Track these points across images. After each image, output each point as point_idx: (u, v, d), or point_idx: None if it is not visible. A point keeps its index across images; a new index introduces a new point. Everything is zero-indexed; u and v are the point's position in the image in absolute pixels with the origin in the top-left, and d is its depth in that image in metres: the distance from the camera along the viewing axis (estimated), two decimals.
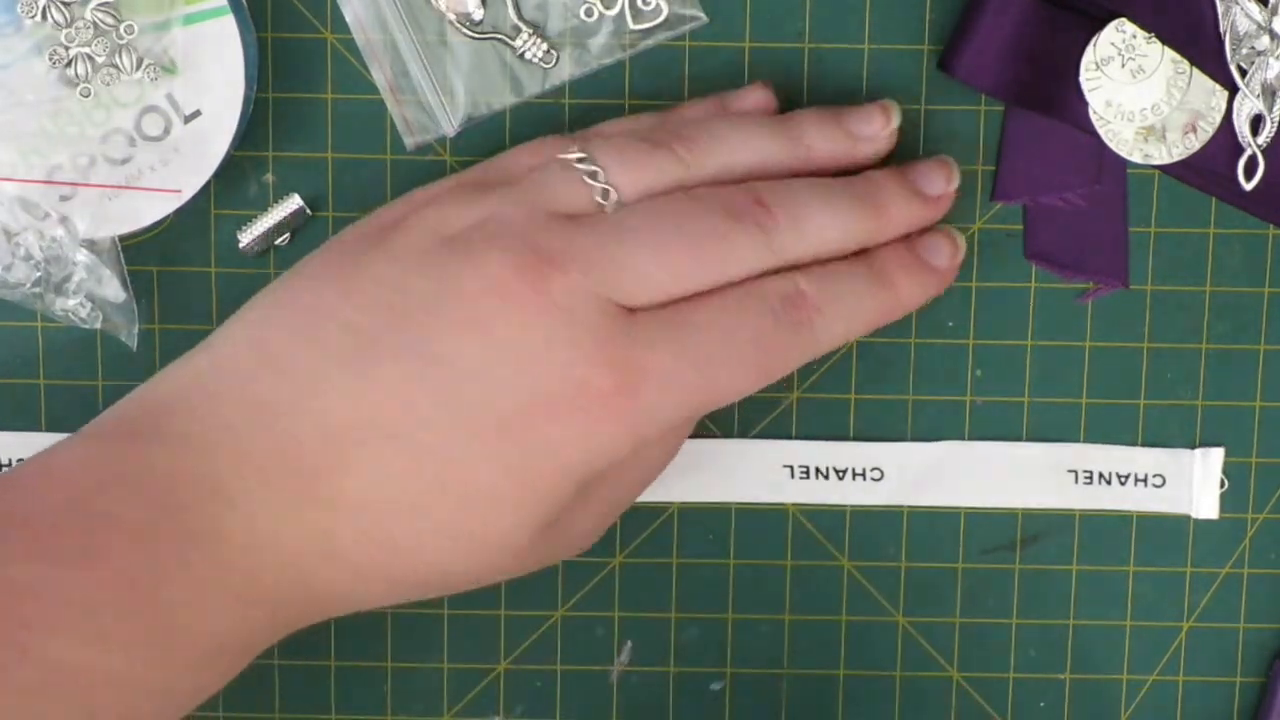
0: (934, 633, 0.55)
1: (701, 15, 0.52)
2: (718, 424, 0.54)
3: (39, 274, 0.50)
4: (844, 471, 0.54)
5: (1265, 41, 0.50)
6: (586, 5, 0.51)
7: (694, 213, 0.46)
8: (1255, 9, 0.50)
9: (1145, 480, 0.54)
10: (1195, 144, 0.51)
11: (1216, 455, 0.54)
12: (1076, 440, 0.54)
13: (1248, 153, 0.51)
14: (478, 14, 0.51)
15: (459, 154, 0.52)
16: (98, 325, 0.51)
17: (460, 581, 0.47)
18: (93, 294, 0.51)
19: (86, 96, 0.49)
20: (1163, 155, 0.51)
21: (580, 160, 0.47)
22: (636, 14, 0.52)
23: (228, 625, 0.45)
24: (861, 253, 0.49)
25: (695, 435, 0.54)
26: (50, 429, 0.53)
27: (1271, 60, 0.50)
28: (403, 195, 0.49)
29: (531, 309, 0.45)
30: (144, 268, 0.53)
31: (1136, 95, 0.51)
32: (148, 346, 0.53)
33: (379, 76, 0.52)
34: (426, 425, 0.45)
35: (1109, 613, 0.55)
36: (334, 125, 0.52)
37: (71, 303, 0.51)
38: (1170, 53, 0.50)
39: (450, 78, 0.52)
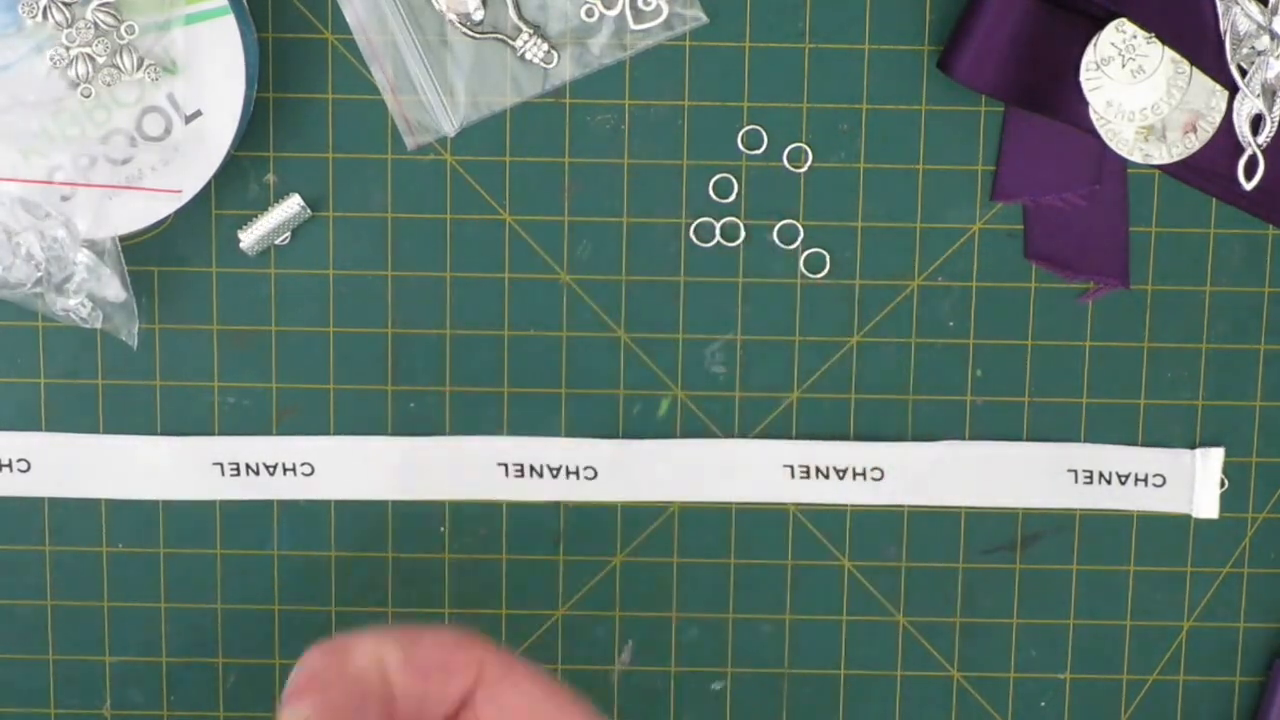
0: (934, 633, 0.55)
1: (701, 15, 0.52)
2: (718, 424, 0.54)
3: (40, 274, 0.50)
4: (844, 471, 0.54)
5: (1265, 41, 0.50)
6: (587, 5, 0.51)
7: None
8: (1255, 9, 0.50)
9: (1145, 480, 0.54)
10: (1195, 144, 0.51)
11: (1216, 455, 0.54)
12: (1076, 440, 0.54)
13: (1248, 153, 0.51)
14: (478, 14, 0.51)
15: (459, 154, 0.52)
16: (98, 325, 0.51)
17: None
18: (93, 294, 0.51)
19: (87, 97, 0.49)
20: (1163, 155, 0.51)
21: None
22: (636, 14, 0.52)
23: None
24: None
25: (695, 435, 0.54)
26: (50, 429, 0.53)
27: (1271, 60, 0.50)
28: None
29: None
30: (144, 268, 0.53)
31: (1136, 95, 0.51)
32: (148, 346, 0.53)
33: (379, 76, 0.52)
34: None
35: (1109, 613, 0.55)
36: (334, 125, 0.52)
37: (72, 303, 0.51)
38: (1170, 53, 0.50)
39: (450, 78, 0.52)
